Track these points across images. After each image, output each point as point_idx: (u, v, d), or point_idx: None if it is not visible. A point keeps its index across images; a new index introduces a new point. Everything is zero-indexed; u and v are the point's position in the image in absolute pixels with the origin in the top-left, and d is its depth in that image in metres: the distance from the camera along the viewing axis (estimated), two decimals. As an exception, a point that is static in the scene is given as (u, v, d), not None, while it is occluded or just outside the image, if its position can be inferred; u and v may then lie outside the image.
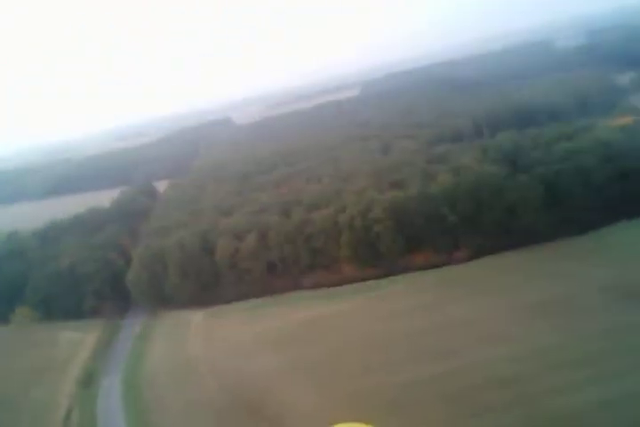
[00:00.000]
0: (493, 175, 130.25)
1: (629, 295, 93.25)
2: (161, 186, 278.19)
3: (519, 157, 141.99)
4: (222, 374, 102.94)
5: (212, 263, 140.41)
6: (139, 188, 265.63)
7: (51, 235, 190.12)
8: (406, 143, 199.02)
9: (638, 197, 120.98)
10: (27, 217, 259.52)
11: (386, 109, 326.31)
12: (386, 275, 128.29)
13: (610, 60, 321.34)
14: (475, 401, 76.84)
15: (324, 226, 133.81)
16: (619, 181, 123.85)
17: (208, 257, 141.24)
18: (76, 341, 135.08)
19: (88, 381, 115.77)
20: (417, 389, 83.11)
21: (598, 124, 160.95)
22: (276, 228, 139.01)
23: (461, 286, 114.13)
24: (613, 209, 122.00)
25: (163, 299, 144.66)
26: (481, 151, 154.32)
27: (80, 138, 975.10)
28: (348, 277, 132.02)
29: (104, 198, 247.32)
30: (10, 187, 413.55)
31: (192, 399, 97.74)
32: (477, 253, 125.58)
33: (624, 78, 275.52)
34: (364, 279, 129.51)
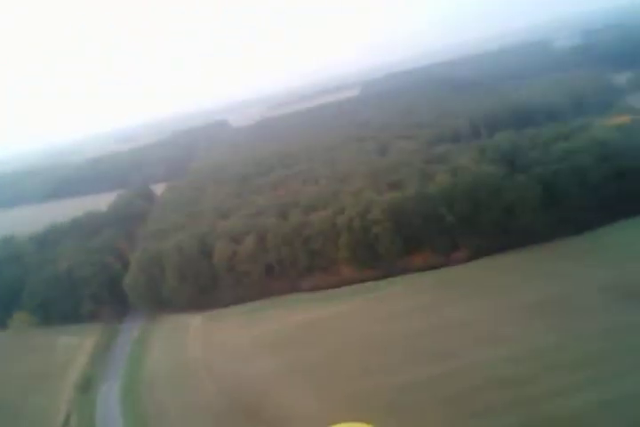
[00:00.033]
0: (491, 175, 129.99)
1: (628, 295, 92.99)
2: (158, 189, 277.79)
3: (517, 157, 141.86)
4: (221, 378, 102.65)
5: (210, 266, 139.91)
6: (136, 191, 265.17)
7: (48, 239, 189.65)
8: (404, 144, 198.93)
9: (636, 197, 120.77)
10: (24, 221, 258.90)
11: (384, 110, 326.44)
12: (384, 276, 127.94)
13: (606, 59, 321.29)
14: (474, 403, 76.61)
15: (322, 228, 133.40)
16: (616, 180, 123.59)
17: (206, 260, 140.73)
18: (74, 345, 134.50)
19: (86, 386, 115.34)
20: (415, 390, 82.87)
21: (595, 123, 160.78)
22: (274, 230, 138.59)
23: (460, 287, 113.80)
24: (611, 208, 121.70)
25: (161, 303, 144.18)
26: (479, 151, 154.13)
27: (77, 141, 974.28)
28: (347, 278, 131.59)
29: (101, 202, 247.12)
30: (7, 190, 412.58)
31: (191, 403, 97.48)
32: (476, 254, 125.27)
33: (620, 78, 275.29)
34: (362, 281, 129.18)
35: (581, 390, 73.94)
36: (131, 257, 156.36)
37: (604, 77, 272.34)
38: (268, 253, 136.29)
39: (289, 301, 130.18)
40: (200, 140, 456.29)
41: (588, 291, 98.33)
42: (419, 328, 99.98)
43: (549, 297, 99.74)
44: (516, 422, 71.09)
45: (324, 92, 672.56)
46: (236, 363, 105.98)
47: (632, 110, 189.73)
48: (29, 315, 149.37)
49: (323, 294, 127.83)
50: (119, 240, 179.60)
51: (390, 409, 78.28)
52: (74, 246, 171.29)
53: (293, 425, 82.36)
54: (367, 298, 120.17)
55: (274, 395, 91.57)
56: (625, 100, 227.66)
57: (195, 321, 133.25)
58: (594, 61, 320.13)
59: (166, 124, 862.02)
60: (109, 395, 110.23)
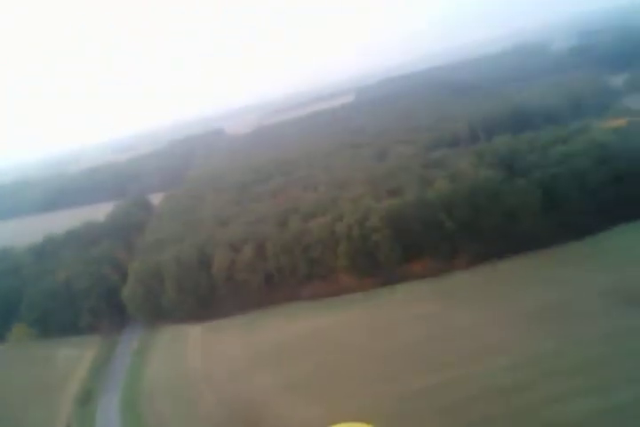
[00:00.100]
0: (490, 180, 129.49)
1: (629, 300, 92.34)
2: (156, 198, 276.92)
3: (516, 161, 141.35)
4: (220, 389, 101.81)
5: (209, 276, 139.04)
6: (133, 201, 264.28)
7: (46, 250, 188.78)
8: (402, 149, 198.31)
9: (635, 200, 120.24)
10: (22, 232, 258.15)
11: (381, 115, 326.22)
12: (384, 284, 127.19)
13: (603, 61, 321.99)
14: (473, 412, 75.96)
15: (321, 236, 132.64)
16: (615, 183, 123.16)
17: (205, 270, 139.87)
18: (74, 358, 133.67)
19: (86, 398, 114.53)
20: (416, 400, 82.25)
21: (593, 126, 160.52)
22: (273, 238, 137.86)
23: (460, 294, 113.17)
24: (611, 212, 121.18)
25: (160, 313, 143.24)
26: (477, 156, 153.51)
27: (74, 151, 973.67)
28: (346, 286, 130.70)
29: (99, 212, 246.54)
30: (5, 201, 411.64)
31: (191, 415, 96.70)
32: (476, 260, 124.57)
33: (618, 80, 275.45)
34: (362, 289, 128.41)
35: (581, 397, 73.29)
36: (129, 268, 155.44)
37: (601, 79, 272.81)
38: (268, 262, 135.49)
39: (288, 310, 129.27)
40: (197, 148, 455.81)
41: (588, 296, 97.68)
42: (418, 337, 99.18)
43: (550, 303, 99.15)
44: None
45: (320, 99, 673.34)
46: (235, 374, 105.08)
47: (630, 112, 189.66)
48: (28, 327, 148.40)
49: (322, 303, 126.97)
50: (117, 251, 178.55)
51: (391, 418, 77.21)
52: (72, 257, 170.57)
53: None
54: (367, 307, 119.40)
55: (273, 406, 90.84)
56: (622, 102, 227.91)
57: (194, 332, 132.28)
58: (591, 63, 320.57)
59: (163, 133, 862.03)
60: (109, 407, 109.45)
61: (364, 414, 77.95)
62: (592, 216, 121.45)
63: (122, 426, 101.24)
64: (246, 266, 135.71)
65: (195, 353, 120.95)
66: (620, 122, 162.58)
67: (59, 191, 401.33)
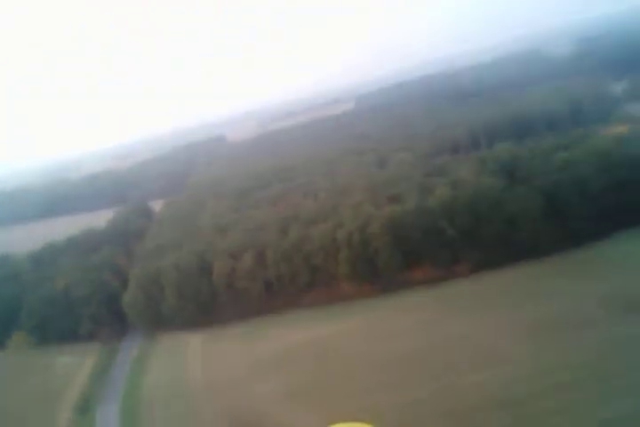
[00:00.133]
0: (491, 188, 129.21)
1: (630, 308, 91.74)
2: (157, 205, 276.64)
3: (517, 168, 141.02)
4: (220, 398, 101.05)
5: (210, 284, 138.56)
6: (134, 207, 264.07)
7: (46, 257, 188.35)
8: (403, 156, 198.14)
9: (637, 207, 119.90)
10: (22, 239, 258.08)
11: (381, 122, 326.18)
12: (385, 291, 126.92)
13: (604, 67, 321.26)
14: (476, 422, 75.28)
15: (321, 243, 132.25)
16: (617, 191, 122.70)
17: (205, 277, 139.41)
18: (73, 365, 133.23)
19: (85, 407, 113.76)
20: (416, 408, 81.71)
21: (595, 133, 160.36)
22: (274, 246, 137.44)
23: (460, 303, 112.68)
24: (612, 219, 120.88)
25: (160, 321, 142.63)
26: (478, 163, 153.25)
27: (75, 157, 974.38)
28: (347, 294, 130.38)
29: (100, 218, 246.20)
30: (5, 208, 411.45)
31: (190, 424, 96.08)
32: (477, 267, 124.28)
33: (618, 86, 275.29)
34: (362, 296, 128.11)
35: (582, 409, 72.52)
36: (129, 275, 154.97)
37: (602, 86, 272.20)
38: (268, 269, 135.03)
39: (289, 318, 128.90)
40: (198, 155, 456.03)
41: (589, 305, 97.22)
42: (419, 346, 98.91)
43: (550, 312, 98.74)
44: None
45: (320, 106, 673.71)
46: (235, 383, 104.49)
47: (631, 119, 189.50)
48: (28, 334, 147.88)
49: (323, 311, 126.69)
50: (117, 258, 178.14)
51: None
52: (72, 264, 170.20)
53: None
54: (367, 315, 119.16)
55: (274, 415, 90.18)
56: (624, 109, 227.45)
57: (194, 340, 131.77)
58: (592, 70, 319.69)
59: (163, 139, 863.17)
60: (108, 416, 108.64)
61: (363, 422, 77.52)
62: (593, 223, 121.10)
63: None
64: (246, 273, 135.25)
65: (195, 361, 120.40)
66: (621, 129, 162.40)
67: (59, 198, 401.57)
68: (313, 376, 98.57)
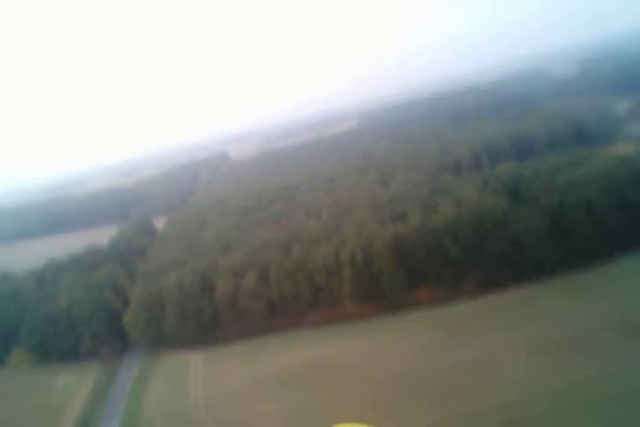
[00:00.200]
0: (496, 206, 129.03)
1: (636, 332, 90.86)
2: (159, 222, 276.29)
3: (521, 187, 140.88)
4: (221, 418, 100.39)
5: (212, 302, 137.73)
6: (137, 225, 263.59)
7: (47, 275, 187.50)
8: (406, 175, 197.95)
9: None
10: (24, 256, 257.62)
11: (384, 141, 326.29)
12: (388, 311, 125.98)
13: (606, 88, 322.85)
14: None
15: (324, 262, 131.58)
16: (622, 210, 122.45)
17: (207, 296, 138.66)
18: (73, 385, 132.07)
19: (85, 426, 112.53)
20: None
21: (598, 153, 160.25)
22: (277, 264, 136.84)
23: (464, 324, 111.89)
24: (618, 240, 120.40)
25: (161, 340, 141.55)
26: (482, 182, 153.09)
27: (78, 174, 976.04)
28: (351, 313, 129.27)
29: (103, 235, 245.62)
30: (8, 225, 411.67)
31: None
32: (481, 287, 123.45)
33: (621, 106, 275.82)
34: (366, 316, 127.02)
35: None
36: (131, 293, 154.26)
37: (605, 105, 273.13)
38: (271, 288, 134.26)
39: (292, 338, 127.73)
40: (201, 173, 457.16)
41: (594, 328, 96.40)
42: (421, 368, 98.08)
43: (556, 335, 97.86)
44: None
45: (323, 124, 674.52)
46: (237, 404, 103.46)
47: (635, 138, 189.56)
48: (28, 352, 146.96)
49: (326, 331, 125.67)
50: (119, 276, 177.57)
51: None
52: (73, 282, 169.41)
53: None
54: (370, 335, 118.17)
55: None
56: (627, 129, 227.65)
57: (196, 359, 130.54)
58: (594, 90, 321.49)
59: (167, 157, 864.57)
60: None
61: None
62: (598, 244, 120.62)
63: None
64: (249, 292, 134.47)
65: (196, 381, 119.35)
66: (625, 149, 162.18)
67: (62, 214, 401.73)
68: (315, 397, 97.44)
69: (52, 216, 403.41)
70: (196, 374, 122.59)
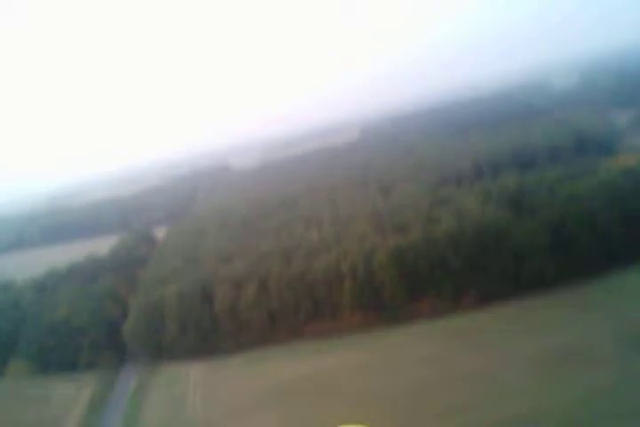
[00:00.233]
0: (498, 218, 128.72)
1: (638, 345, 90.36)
2: (160, 232, 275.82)
3: (523, 199, 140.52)
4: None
5: (212, 313, 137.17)
6: (137, 234, 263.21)
7: (47, 285, 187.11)
8: (408, 186, 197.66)
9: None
10: (24, 265, 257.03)
11: (386, 152, 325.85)
12: (390, 322, 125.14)
13: (608, 98, 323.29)
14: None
15: (325, 273, 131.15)
16: (625, 222, 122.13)
17: (207, 307, 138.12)
18: (72, 395, 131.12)
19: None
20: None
21: (601, 164, 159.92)
22: (277, 276, 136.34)
23: (465, 336, 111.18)
24: (621, 252, 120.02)
25: (161, 351, 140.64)
26: (484, 194, 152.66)
27: (78, 184, 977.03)
28: (351, 325, 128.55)
29: (103, 245, 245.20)
30: (8, 234, 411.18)
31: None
32: (483, 299, 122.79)
33: (622, 118, 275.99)
34: (366, 328, 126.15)
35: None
36: (131, 303, 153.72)
37: (606, 117, 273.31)
38: (271, 300, 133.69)
39: (292, 350, 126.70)
40: (202, 183, 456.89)
41: (597, 341, 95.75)
42: (423, 381, 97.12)
43: (558, 348, 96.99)
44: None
45: (324, 135, 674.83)
46: (236, 417, 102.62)
47: (638, 150, 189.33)
48: (26, 362, 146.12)
49: (326, 343, 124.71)
50: (119, 286, 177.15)
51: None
52: (73, 292, 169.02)
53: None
54: (371, 347, 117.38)
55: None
56: (629, 140, 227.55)
57: (195, 371, 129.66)
58: (596, 100, 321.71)
59: (168, 167, 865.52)
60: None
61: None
62: (600, 256, 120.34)
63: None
64: (249, 303, 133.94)
65: (195, 392, 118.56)
66: (628, 160, 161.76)
67: (62, 224, 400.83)
68: (314, 410, 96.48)
69: (53, 225, 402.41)
70: (195, 385, 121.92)
